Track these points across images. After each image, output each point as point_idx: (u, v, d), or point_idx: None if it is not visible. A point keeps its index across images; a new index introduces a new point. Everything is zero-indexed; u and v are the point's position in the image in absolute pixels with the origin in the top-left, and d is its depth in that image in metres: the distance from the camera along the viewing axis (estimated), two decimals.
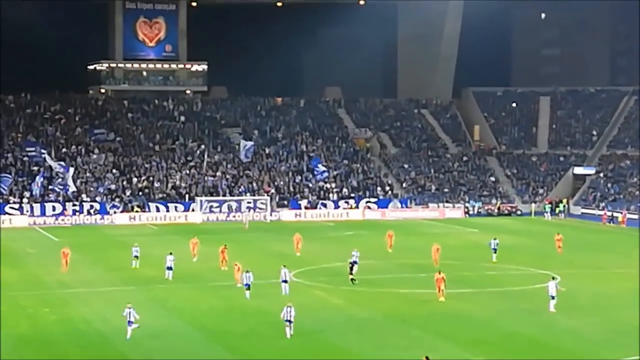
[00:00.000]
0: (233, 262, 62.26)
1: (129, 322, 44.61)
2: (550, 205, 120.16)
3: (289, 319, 44.54)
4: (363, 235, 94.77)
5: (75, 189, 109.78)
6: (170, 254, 65.33)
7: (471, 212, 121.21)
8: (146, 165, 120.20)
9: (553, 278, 53.82)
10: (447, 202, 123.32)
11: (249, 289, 54.59)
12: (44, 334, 46.71)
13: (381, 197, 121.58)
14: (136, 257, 68.91)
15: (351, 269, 61.60)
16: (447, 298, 56.51)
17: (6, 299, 56.91)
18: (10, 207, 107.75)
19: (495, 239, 74.31)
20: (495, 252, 73.02)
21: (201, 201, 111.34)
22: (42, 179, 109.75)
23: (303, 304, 54.25)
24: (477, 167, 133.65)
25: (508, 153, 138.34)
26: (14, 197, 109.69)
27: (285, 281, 57.56)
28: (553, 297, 52.91)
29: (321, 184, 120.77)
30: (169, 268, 64.36)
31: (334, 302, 56.34)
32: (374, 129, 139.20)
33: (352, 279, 60.84)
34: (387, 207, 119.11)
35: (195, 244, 72.95)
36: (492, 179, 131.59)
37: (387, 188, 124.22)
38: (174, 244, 78.55)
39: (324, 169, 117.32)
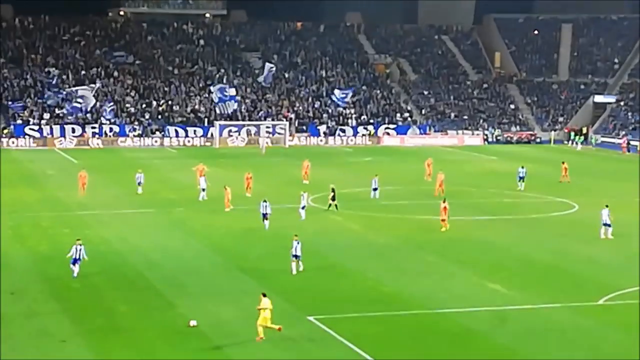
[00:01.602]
0: (224, 185, 61.71)
1: (75, 259, 42.03)
2: (570, 134, 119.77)
3: (295, 254, 43.05)
4: (381, 161, 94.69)
5: (94, 109, 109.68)
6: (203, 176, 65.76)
7: (490, 140, 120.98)
8: (165, 89, 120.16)
9: (606, 206, 53.41)
10: (466, 129, 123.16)
11: (266, 218, 53.85)
12: (64, 255, 46.49)
13: (400, 124, 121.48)
14: (139, 183, 68.08)
15: (333, 198, 60.73)
16: (464, 225, 56.75)
17: (27, 220, 57.52)
18: (30, 129, 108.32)
19: (522, 167, 74.00)
20: (522, 181, 72.80)
21: (220, 125, 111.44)
22: (62, 101, 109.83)
23: (320, 229, 54.96)
24: (497, 95, 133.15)
25: (528, 80, 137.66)
26: (34, 118, 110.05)
27: (304, 207, 57.64)
28: (607, 225, 52.62)
29: (340, 109, 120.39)
30: (203, 189, 64.88)
31: (351, 228, 56.52)
32: (394, 55, 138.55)
33: (333, 205, 60.19)
34: (405, 134, 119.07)
35: (201, 170, 71.47)
36: (512, 106, 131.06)
37: (406, 114, 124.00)
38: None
39: (344, 95, 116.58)
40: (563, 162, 79.62)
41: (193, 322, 34.16)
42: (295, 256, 43.12)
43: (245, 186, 66.85)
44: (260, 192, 64.72)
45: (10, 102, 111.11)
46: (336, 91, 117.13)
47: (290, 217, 58.41)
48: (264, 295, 33.63)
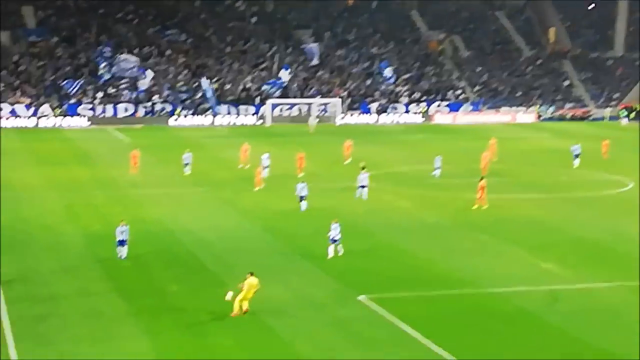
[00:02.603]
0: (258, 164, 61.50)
1: (121, 241, 41.69)
2: (625, 110, 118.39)
3: (334, 238, 41.91)
4: (433, 139, 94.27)
5: (147, 89, 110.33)
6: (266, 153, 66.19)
7: (543, 117, 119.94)
8: (217, 67, 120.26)
9: None
10: (519, 106, 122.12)
11: (302, 200, 53.18)
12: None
13: (452, 101, 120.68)
14: (187, 164, 67.51)
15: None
16: (517, 203, 56.78)
17: (79, 198, 58.04)
18: (83, 108, 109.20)
19: (577, 144, 73.30)
20: (577, 158, 72.17)
21: (272, 104, 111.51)
22: (114, 80, 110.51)
23: (371, 207, 55.02)
24: (550, 71, 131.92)
25: (583, 56, 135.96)
26: (87, 97, 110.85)
27: (364, 186, 57.38)
28: None
29: (392, 87, 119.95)
30: (266, 167, 65.21)
31: (402, 206, 56.40)
32: (447, 31, 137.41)
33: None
34: (458, 111, 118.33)
35: (246, 150, 71.80)
36: (566, 82, 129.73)
37: (459, 92, 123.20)
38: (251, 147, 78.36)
39: (391, 74, 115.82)
40: (603, 140, 78.71)
41: (229, 295, 33.82)
42: (334, 240, 42.17)
43: (297, 166, 66.51)
44: (310, 172, 64.96)
45: (63, 82, 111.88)
46: (386, 69, 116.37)
47: (341, 196, 58.53)
48: (252, 274, 33.74)
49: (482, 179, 55.85)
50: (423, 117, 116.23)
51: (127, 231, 41.81)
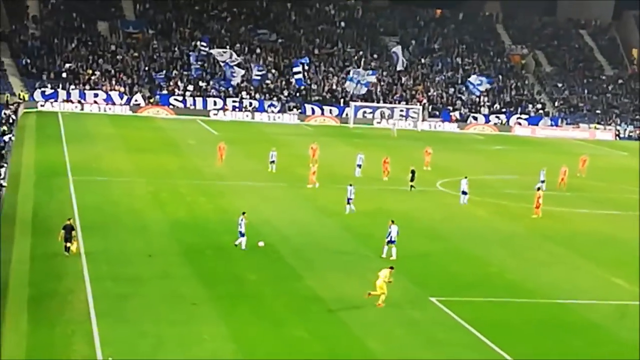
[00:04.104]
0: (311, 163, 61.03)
1: (241, 233, 41.93)
2: None
3: (390, 239, 41.79)
4: (511, 150, 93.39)
5: (236, 84, 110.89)
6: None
7: (622, 135, 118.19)
8: (305, 68, 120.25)
9: None
10: (598, 123, 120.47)
11: (349, 203, 52.29)
12: (200, 221, 47.52)
13: (532, 115, 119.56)
14: (273, 161, 66.85)
15: (412, 179, 60.34)
16: (591, 218, 56.25)
17: (166, 186, 58.40)
18: (175, 99, 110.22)
19: None
20: None
21: (355, 106, 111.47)
22: (206, 74, 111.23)
23: (447, 214, 54.77)
24: (631, 91, 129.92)
25: None
26: (178, 89, 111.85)
27: (465, 192, 57.26)
28: None
29: (473, 97, 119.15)
30: (359, 165, 64.83)
31: (477, 214, 55.90)
32: (531, 46, 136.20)
33: (411, 186, 59.86)
34: (537, 125, 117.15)
35: (315, 150, 71.61)
36: None
37: (539, 106, 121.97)
38: (329, 146, 78.83)
39: (479, 82, 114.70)
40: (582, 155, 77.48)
41: (261, 243, 34.95)
42: (390, 241, 41.90)
43: (382, 170, 66.03)
44: (394, 176, 64.63)
45: (156, 73, 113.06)
46: (473, 77, 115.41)
47: (419, 199, 58.43)
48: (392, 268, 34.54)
49: (538, 189, 55.70)
50: (502, 128, 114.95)
51: (244, 224, 42.08)
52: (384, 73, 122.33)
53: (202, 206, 52.21)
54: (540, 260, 44.37)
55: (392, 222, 42.39)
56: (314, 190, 60.10)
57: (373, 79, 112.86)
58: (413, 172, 60.89)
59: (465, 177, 58.05)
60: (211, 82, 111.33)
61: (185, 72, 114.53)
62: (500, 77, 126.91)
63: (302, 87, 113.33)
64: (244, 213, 42.48)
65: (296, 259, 41.34)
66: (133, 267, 38.12)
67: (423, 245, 43.53)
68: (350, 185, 52.76)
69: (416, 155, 78.31)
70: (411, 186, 60.51)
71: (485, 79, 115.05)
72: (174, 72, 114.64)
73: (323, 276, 38.51)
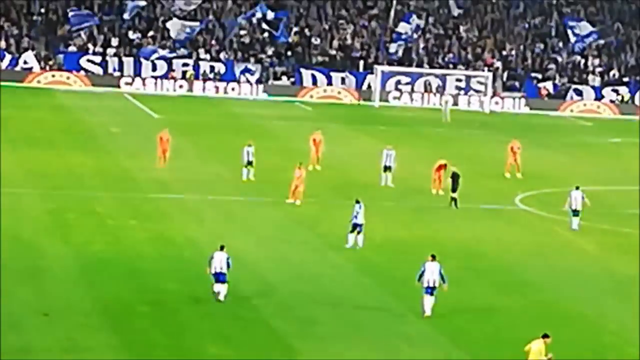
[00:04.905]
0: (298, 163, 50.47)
1: (219, 274, 32.72)
2: None
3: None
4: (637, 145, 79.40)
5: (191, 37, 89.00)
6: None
7: None
8: (301, 10, 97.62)
9: None
10: None
11: (354, 229, 40.77)
12: (128, 258, 38.13)
13: None
14: (249, 163, 53.67)
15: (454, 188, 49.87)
16: None
17: (75, 201, 47.53)
18: (89, 61, 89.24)
19: None
20: None
21: (383, 72, 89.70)
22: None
23: (536, 247, 44.14)
24: None
25: None
26: (95, 45, 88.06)
27: (577, 213, 46.89)
28: None
29: (576, 58, 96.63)
30: (387, 168, 53.39)
31: (582, 247, 44.80)
32: None
33: (452, 200, 49.77)
34: None
35: (318, 143, 58.14)
36: None
37: None
38: (339, 136, 67.45)
39: (586, 32, 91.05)
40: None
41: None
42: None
43: (433, 179, 52.78)
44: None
45: (60, 18, 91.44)
46: (575, 24, 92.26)
47: (486, 223, 47.45)
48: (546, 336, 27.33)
49: None
50: (624, 109, 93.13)
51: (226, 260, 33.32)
52: (430, 20, 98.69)
53: (132, 234, 42.30)
54: None
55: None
56: (311, 207, 48.55)
57: (409, 29, 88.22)
58: (455, 176, 49.19)
59: (577, 188, 46.73)
60: (149, 34, 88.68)
61: (107, 17, 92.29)
62: (619, 25, 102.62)
63: (286, 42, 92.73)
64: (222, 247, 33.47)
65: (285, 321, 32.44)
66: (19, 333, 29.42)
67: (492, 297, 35.01)
68: (358, 202, 41.97)
69: (489, 153, 65.66)
70: (452, 199, 49.06)
71: (595, 28, 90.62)
72: (90, 16, 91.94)
73: (328, 349, 29.66)
